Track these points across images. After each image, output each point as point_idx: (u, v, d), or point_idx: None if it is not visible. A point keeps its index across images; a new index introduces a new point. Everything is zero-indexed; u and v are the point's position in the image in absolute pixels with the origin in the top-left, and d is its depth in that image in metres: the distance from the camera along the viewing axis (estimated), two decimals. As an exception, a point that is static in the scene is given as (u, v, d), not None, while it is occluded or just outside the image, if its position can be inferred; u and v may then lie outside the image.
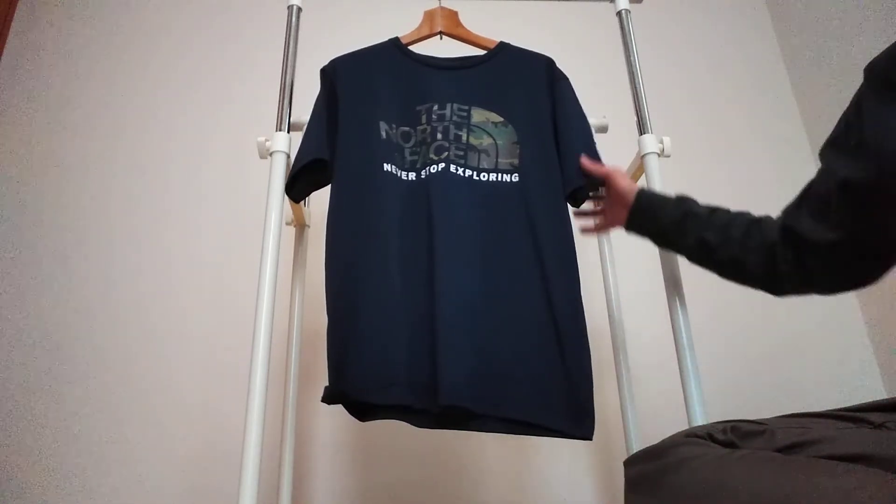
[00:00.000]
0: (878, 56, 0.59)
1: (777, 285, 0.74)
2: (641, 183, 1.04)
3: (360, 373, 0.83)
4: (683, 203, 0.84)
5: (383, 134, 0.96)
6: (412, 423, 0.85)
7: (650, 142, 1.02)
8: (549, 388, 0.85)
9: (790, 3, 1.88)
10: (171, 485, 1.30)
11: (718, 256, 0.78)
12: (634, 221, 0.89)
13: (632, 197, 0.88)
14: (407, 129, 0.99)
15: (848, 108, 0.63)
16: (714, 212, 0.81)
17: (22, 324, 1.42)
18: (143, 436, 1.33)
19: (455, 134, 0.97)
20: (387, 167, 0.94)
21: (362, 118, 0.97)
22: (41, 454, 1.31)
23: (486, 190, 0.95)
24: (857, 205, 0.60)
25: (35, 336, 1.41)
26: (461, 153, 0.96)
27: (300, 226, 1.23)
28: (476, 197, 0.93)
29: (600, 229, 1.05)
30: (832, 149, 0.64)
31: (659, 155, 1.02)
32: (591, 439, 0.85)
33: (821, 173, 0.66)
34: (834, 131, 0.65)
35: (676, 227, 0.83)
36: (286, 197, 0.99)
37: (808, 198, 0.68)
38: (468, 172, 0.95)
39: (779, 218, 0.73)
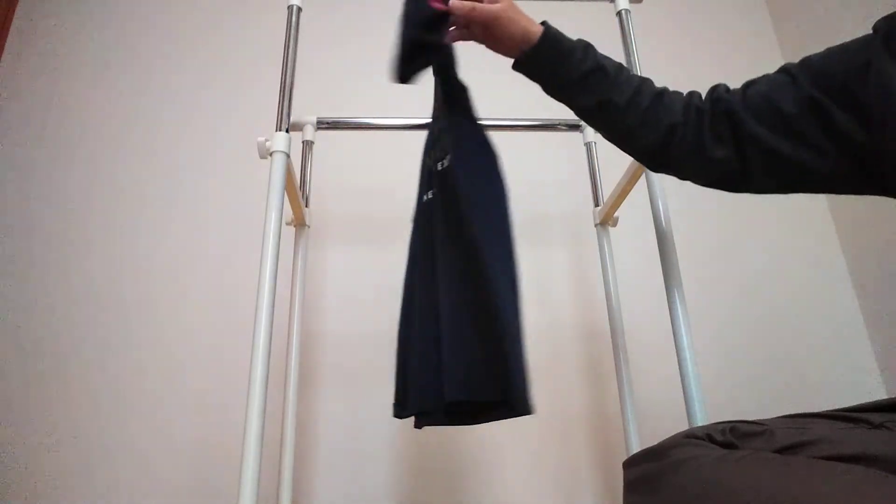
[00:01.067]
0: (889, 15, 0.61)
1: (658, 164, 0.76)
2: (642, 183, 1.04)
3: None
4: (589, 54, 0.76)
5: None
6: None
7: (650, 142, 1.02)
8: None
9: (790, 3, 1.87)
10: (172, 485, 1.30)
11: (617, 122, 0.74)
12: (528, 63, 0.78)
13: (530, 34, 0.77)
14: None
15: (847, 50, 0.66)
16: (620, 71, 0.75)
17: (24, 320, 1.42)
18: (144, 435, 1.33)
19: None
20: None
21: None
22: (42, 450, 1.31)
23: None
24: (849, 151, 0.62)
25: (37, 333, 1.41)
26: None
27: (300, 226, 1.23)
28: None
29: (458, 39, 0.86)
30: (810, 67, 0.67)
31: (659, 155, 1.01)
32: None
33: (786, 85, 0.68)
34: (829, 53, 0.67)
35: (579, 82, 0.75)
36: (286, 197, 0.99)
37: (760, 101, 0.68)
38: None
39: (703, 99, 0.73)
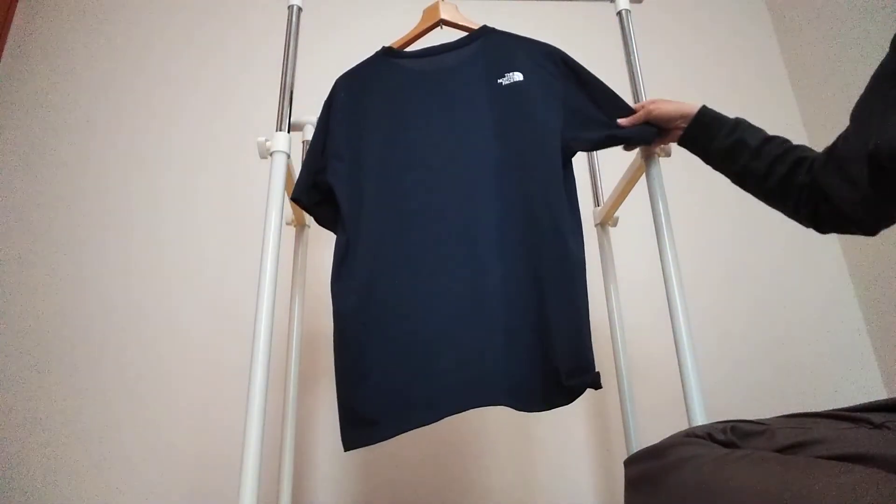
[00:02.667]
0: None
1: (801, 221, 0.85)
2: (642, 183, 1.04)
3: None
4: (738, 128, 0.89)
5: None
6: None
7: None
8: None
9: (790, 2, 1.88)
10: (172, 485, 1.29)
11: (760, 186, 0.87)
12: (689, 139, 0.94)
13: (690, 114, 0.93)
14: None
15: (876, 74, 0.69)
16: (767, 142, 0.87)
17: (18, 326, 1.41)
18: (143, 436, 1.33)
19: None
20: None
21: None
22: (40, 458, 1.31)
23: None
24: (881, 170, 0.65)
25: (31, 339, 1.41)
26: None
27: (300, 226, 1.23)
28: None
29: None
30: (860, 114, 0.71)
31: (659, 155, 1.02)
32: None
33: (847, 134, 0.74)
34: (864, 95, 0.71)
35: (727, 152, 0.89)
36: (286, 197, 0.99)
37: (834, 156, 0.76)
38: None
39: (813, 164, 0.81)
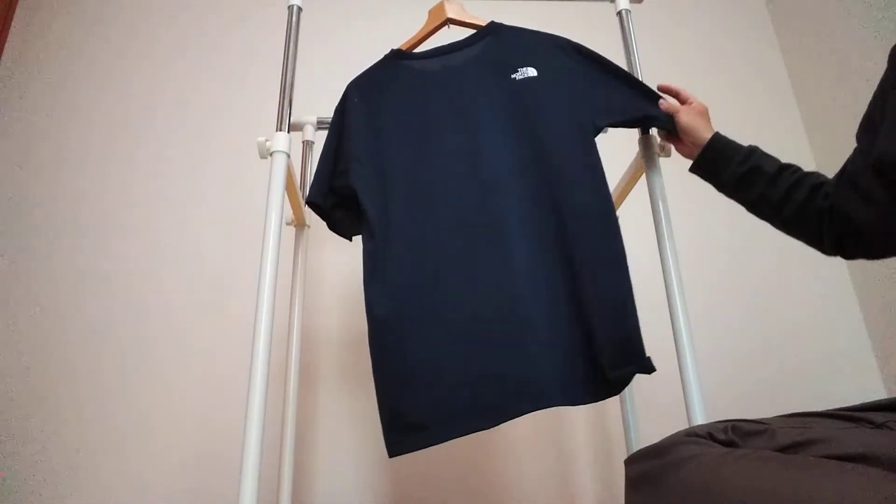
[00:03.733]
0: None
1: (825, 250, 0.81)
2: (642, 183, 1.04)
3: None
4: (752, 155, 0.87)
5: None
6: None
7: (650, 142, 1.02)
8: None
9: (790, 3, 1.88)
10: (172, 485, 1.29)
11: (777, 214, 0.84)
12: (701, 166, 0.92)
13: (702, 139, 0.91)
14: None
15: (876, 91, 0.69)
16: (783, 169, 0.85)
17: (16, 329, 1.41)
18: (143, 437, 1.33)
19: None
20: None
21: None
22: (39, 462, 1.31)
23: None
24: (890, 182, 0.65)
25: (29, 342, 1.40)
26: None
27: (300, 226, 1.23)
28: None
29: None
30: (864, 132, 0.70)
31: (659, 155, 1.02)
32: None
33: (855, 154, 0.73)
34: (866, 112, 0.71)
35: (742, 180, 0.86)
36: (286, 197, 0.99)
37: (845, 177, 0.75)
38: None
39: (829, 189, 0.80)
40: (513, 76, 1.00)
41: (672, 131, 0.96)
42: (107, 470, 1.30)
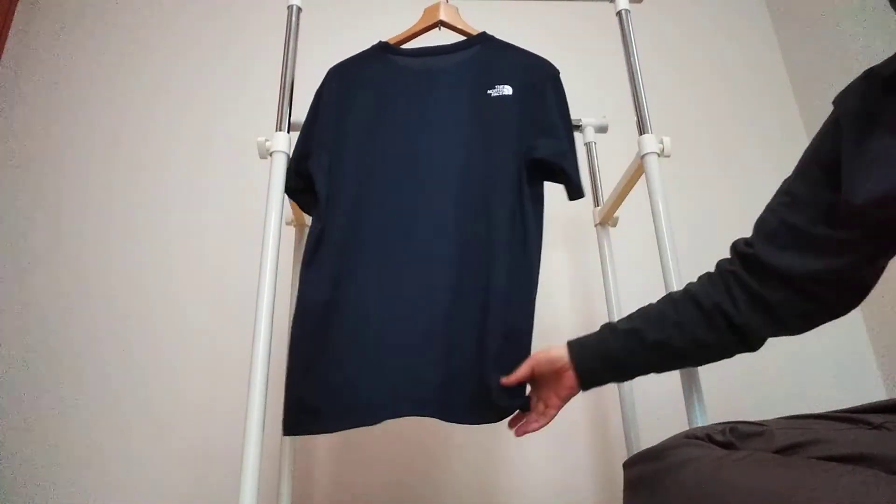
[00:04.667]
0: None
1: (746, 339, 0.73)
2: (642, 183, 1.04)
3: None
4: (609, 329, 0.78)
5: None
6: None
7: (650, 142, 1.02)
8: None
9: (790, 3, 1.87)
10: (172, 485, 1.30)
11: (679, 349, 0.73)
12: (586, 377, 0.79)
13: (563, 358, 0.79)
14: None
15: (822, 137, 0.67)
16: (640, 316, 0.76)
17: (21, 322, 1.42)
18: (143, 435, 1.33)
19: None
20: None
21: None
22: (41, 454, 1.31)
23: None
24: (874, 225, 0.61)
25: (35, 335, 1.41)
26: None
27: (300, 226, 1.23)
28: None
29: (545, 420, 0.85)
30: (805, 180, 0.68)
31: (659, 155, 1.01)
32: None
33: (791, 207, 0.69)
34: (805, 161, 0.69)
35: (624, 352, 0.75)
36: (286, 197, 0.99)
37: (777, 232, 0.69)
38: None
39: (719, 271, 0.75)
40: (489, 91, 1.00)
41: (570, 189, 0.98)
42: (112, 463, 1.30)
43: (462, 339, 0.86)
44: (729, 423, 0.62)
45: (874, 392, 1.49)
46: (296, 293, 1.17)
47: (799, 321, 0.70)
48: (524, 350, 0.86)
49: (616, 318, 1.22)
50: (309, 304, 0.89)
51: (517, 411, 0.86)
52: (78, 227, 1.52)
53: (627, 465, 0.68)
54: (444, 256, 0.90)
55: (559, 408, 0.82)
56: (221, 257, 1.50)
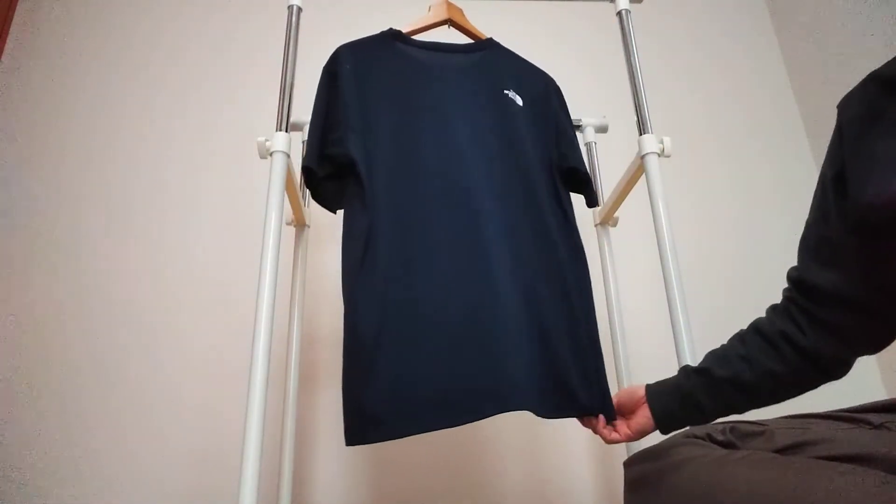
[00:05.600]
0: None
1: (820, 365, 0.70)
2: (642, 183, 1.04)
3: None
4: (684, 369, 0.77)
5: None
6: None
7: (650, 142, 1.02)
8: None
9: (790, 3, 1.87)
10: (172, 485, 1.29)
11: (750, 383, 0.70)
12: (663, 419, 0.77)
13: (642, 391, 0.79)
14: None
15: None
16: (711, 354, 0.75)
17: (18, 324, 1.41)
18: (143, 436, 1.33)
19: None
20: None
21: None
22: (40, 455, 1.31)
23: None
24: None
25: (31, 337, 1.41)
26: None
27: (300, 226, 1.23)
28: None
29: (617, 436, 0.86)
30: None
31: (659, 155, 1.02)
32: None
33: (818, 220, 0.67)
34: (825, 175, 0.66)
35: (697, 391, 0.73)
36: (286, 197, 0.99)
37: (818, 248, 0.66)
38: None
39: (783, 300, 0.73)
40: (505, 91, 1.03)
41: (590, 198, 1.09)
42: (109, 466, 1.30)
43: (548, 334, 0.87)
44: (729, 422, 0.62)
45: (874, 392, 1.49)
46: (297, 294, 1.18)
47: (865, 338, 0.66)
48: (599, 348, 0.91)
49: (616, 318, 1.22)
50: (363, 305, 0.82)
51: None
52: (76, 227, 1.52)
53: (628, 465, 0.68)
54: (503, 249, 0.89)
55: (629, 437, 0.81)
56: (221, 257, 1.50)
